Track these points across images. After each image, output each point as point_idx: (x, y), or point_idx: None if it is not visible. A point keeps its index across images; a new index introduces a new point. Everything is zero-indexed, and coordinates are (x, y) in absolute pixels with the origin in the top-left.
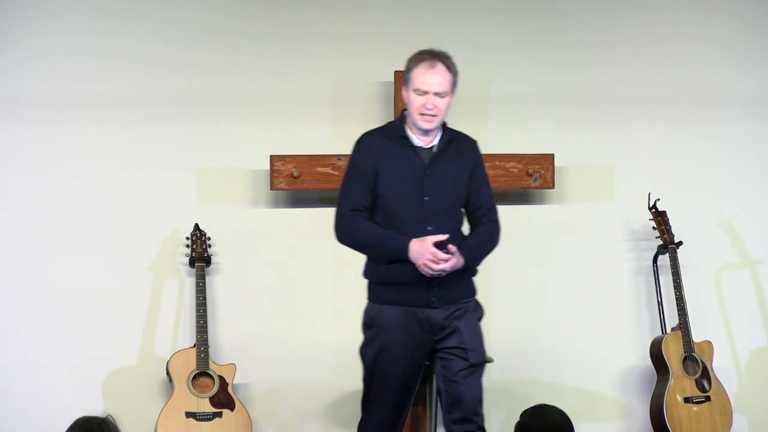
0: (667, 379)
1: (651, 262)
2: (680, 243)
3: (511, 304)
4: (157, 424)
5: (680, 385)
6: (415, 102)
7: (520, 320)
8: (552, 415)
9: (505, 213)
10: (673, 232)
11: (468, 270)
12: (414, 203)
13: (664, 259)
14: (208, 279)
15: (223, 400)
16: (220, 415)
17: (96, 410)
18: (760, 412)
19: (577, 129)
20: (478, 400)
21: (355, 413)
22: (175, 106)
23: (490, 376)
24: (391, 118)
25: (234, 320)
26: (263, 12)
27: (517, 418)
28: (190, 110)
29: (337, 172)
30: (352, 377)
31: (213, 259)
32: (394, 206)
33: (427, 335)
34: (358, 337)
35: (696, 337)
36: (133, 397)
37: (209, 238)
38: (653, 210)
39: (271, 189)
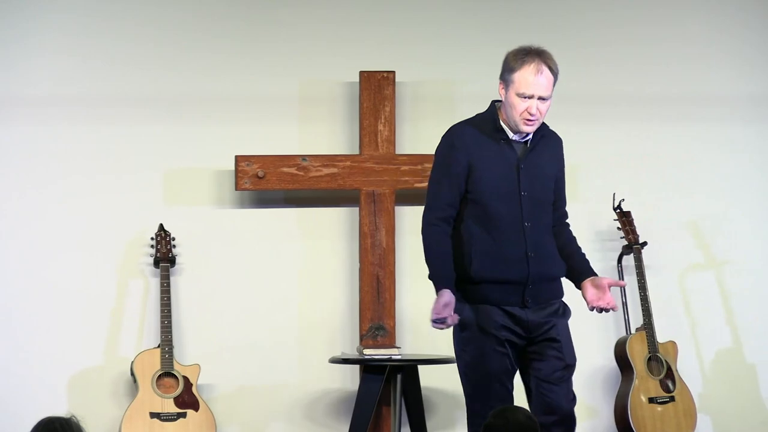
0: (631, 380)
1: (616, 263)
2: (645, 243)
3: None
4: (121, 424)
5: (645, 385)
6: (517, 106)
7: None
8: (516, 416)
9: None
10: (638, 233)
11: (561, 268)
12: (511, 199)
13: (629, 260)
14: (172, 279)
15: (188, 400)
16: (184, 415)
17: (60, 410)
18: (725, 412)
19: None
20: (574, 402)
21: (320, 412)
22: (140, 107)
23: (455, 376)
24: (356, 118)
25: (198, 320)
26: (229, 11)
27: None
28: (155, 110)
29: (302, 173)
30: (316, 377)
31: (178, 260)
32: (490, 201)
33: (523, 335)
34: (323, 338)
35: (660, 337)
36: (98, 398)
37: (174, 239)
38: (618, 210)
39: (236, 189)
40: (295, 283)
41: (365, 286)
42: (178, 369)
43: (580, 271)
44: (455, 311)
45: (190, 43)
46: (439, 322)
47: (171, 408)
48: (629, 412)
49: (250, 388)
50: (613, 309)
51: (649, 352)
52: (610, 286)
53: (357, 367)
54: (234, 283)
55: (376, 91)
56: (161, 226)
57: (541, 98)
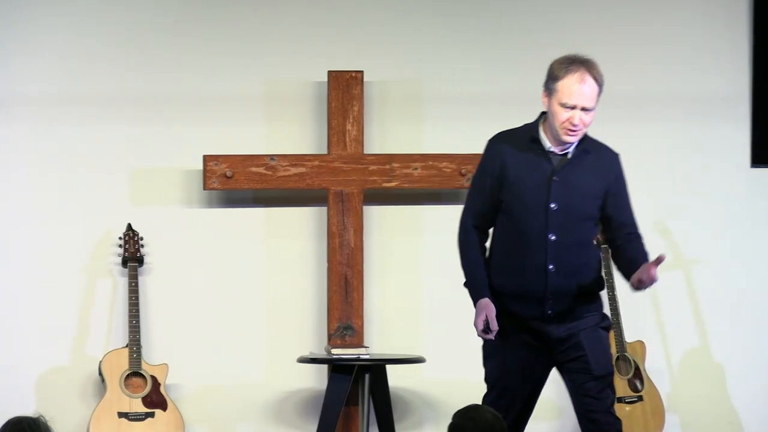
0: None
1: None
2: None
3: (445, 304)
4: (89, 424)
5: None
6: (560, 115)
7: (455, 320)
8: (484, 415)
9: (437, 213)
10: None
11: (592, 285)
12: (537, 210)
13: None
14: (141, 279)
15: (156, 400)
16: (152, 415)
17: (28, 410)
18: (693, 411)
19: None
20: (613, 415)
21: (288, 412)
22: (107, 106)
23: (423, 376)
24: (324, 118)
25: (167, 320)
26: (195, 10)
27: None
28: (123, 110)
29: (270, 172)
30: (285, 377)
31: (146, 259)
32: (517, 212)
33: (545, 348)
34: (291, 337)
35: (628, 337)
36: (66, 397)
37: (142, 238)
38: None
39: (204, 189)
40: (263, 282)
41: (333, 285)
42: (146, 369)
43: (633, 266)
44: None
45: (158, 42)
46: (484, 333)
47: (139, 408)
48: None
49: (218, 388)
50: (652, 281)
51: (617, 352)
52: (654, 264)
53: (325, 366)
54: (202, 283)
55: (345, 91)
56: (129, 226)
57: (584, 109)
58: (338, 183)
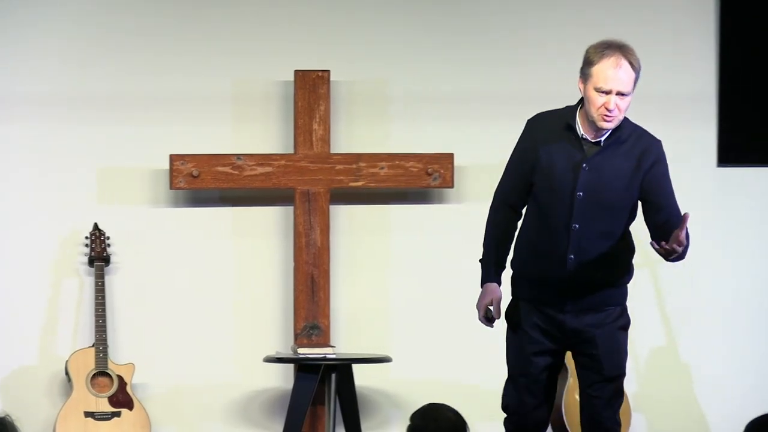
0: (565, 378)
1: None
2: None
3: (411, 303)
4: (56, 423)
5: (576, 384)
6: (595, 101)
7: (421, 319)
8: (446, 414)
9: (404, 212)
10: None
11: (614, 277)
12: (564, 198)
13: None
14: (107, 278)
15: (122, 399)
16: (118, 414)
17: None
18: (659, 411)
19: (477, 129)
20: (615, 421)
21: (255, 411)
22: (74, 105)
23: (389, 375)
24: (291, 117)
25: (133, 319)
26: (162, 9)
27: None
28: (89, 109)
29: (237, 172)
30: (251, 377)
31: (112, 259)
32: (544, 198)
33: (561, 338)
34: (258, 336)
35: None
36: (32, 397)
37: (108, 238)
38: None
39: (171, 188)
40: (229, 282)
41: (300, 285)
42: (113, 368)
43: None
44: (510, 307)
45: (125, 42)
46: (485, 320)
47: (105, 407)
48: (563, 411)
49: (184, 387)
50: (680, 244)
51: None
52: (680, 228)
53: (291, 366)
54: (169, 283)
55: (311, 90)
56: (96, 225)
57: (620, 94)
58: (305, 182)
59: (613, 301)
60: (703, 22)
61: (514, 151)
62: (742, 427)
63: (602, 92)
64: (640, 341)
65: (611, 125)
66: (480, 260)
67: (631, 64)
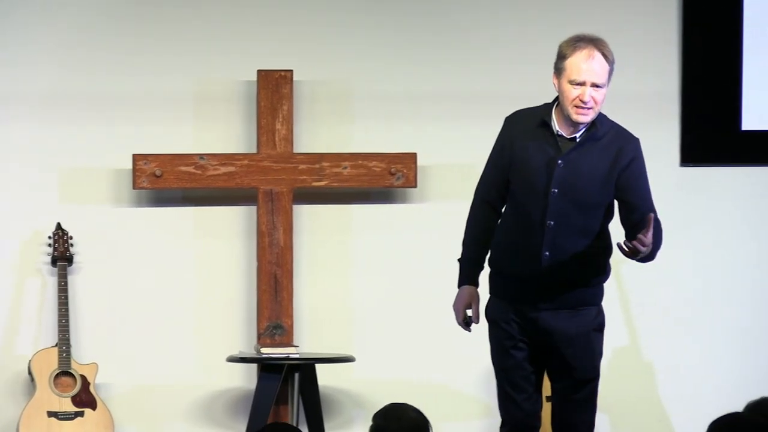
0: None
1: None
2: None
3: (375, 303)
4: (19, 423)
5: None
6: (570, 93)
7: (385, 319)
8: (408, 414)
9: (367, 212)
10: None
11: (589, 275)
12: (538, 194)
13: None
14: (70, 278)
15: (85, 399)
16: (82, 414)
17: None
18: (622, 410)
19: (440, 128)
20: (589, 425)
21: (218, 411)
22: (36, 105)
23: (352, 375)
24: (254, 117)
25: (96, 319)
26: (124, 8)
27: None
28: (51, 109)
29: (199, 171)
30: (214, 376)
31: (75, 258)
32: (520, 195)
33: (535, 336)
34: (221, 337)
35: None
36: None
37: (71, 238)
38: None
39: (134, 188)
40: (192, 281)
41: (263, 284)
42: (76, 368)
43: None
44: (488, 304)
45: (87, 41)
46: (464, 323)
47: (68, 407)
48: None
49: (147, 387)
50: (641, 245)
51: None
52: (646, 229)
53: (255, 366)
54: (132, 282)
55: (274, 90)
56: (58, 225)
57: (594, 85)
58: (268, 182)
59: (589, 301)
60: (666, 22)
61: (492, 149)
62: (705, 427)
63: (576, 84)
64: (604, 341)
65: (587, 118)
66: (458, 259)
67: (604, 55)
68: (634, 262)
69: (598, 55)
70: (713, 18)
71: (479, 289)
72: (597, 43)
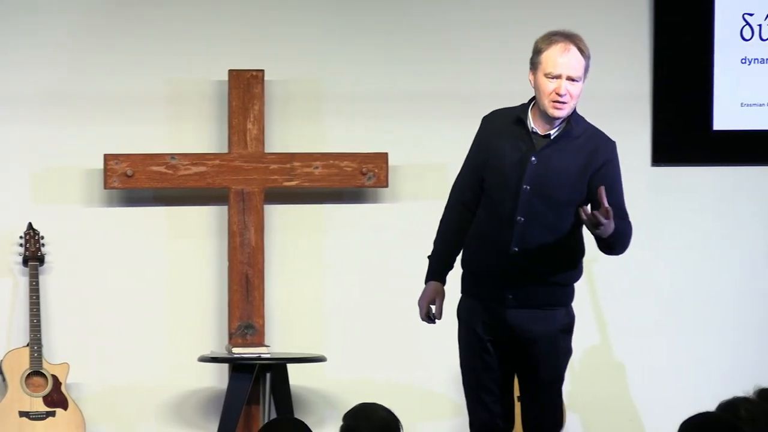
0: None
1: None
2: None
3: (346, 302)
4: None
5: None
6: (546, 87)
7: (356, 319)
8: (378, 413)
9: (339, 212)
10: None
11: (558, 273)
12: (511, 190)
13: None
14: (42, 278)
15: (57, 399)
16: (53, 414)
17: None
18: (593, 409)
19: (412, 128)
20: (553, 424)
21: (190, 411)
22: (7, 104)
23: (324, 375)
24: (225, 117)
25: (68, 319)
26: (95, 8)
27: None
28: (23, 108)
29: (171, 171)
30: (186, 376)
31: (47, 258)
32: (494, 192)
33: (504, 335)
34: (192, 336)
35: None
36: None
37: (43, 237)
38: None
39: (105, 188)
40: (164, 281)
41: (234, 284)
42: (47, 368)
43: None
44: (459, 303)
45: (58, 41)
46: (427, 318)
47: (40, 407)
48: None
49: (119, 387)
50: (604, 216)
51: None
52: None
53: (226, 365)
54: (103, 282)
55: (245, 90)
56: (30, 225)
57: (570, 79)
58: (239, 182)
59: (557, 301)
60: (638, 22)
61: (469, 149)
62: (677, 426)
63: (552, 77)
64: (574, 340)
65: (562, 113)
66: (428, 257)
67: (580, 50)
68: (603, 260)
69: (573, 49)
70: (684, 18)
71: (447, 287)
72: (573, 37)
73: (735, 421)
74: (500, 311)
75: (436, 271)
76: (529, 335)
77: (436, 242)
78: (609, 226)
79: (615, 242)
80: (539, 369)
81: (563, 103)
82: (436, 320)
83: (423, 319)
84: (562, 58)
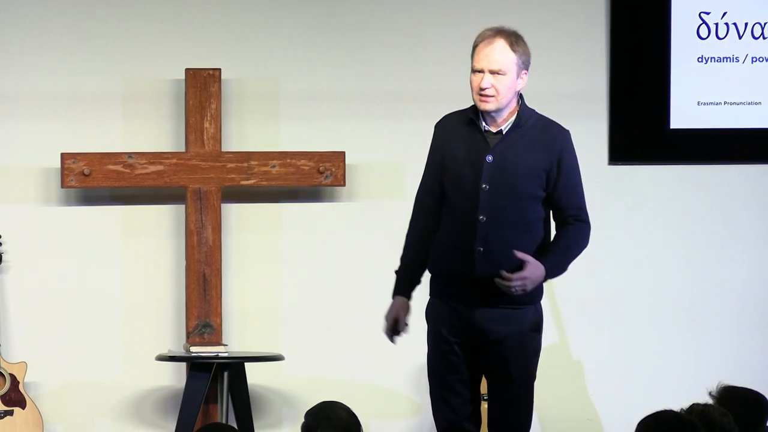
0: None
1: None
2: None
3: (304, 301)
4: None
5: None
6: (472, 82)
7: (314, 317)
8: (338, 413)
9: (296, 210)
10: None
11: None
12: (469, 191)
13: None
14: None
15: (14, 398)
16: (11, 413)
17: None
18: (551, 408)
19: (369, 127)
20: (521, 424)
21: (147, 410)
22: None
23: (282, 374)
24: (182, 116)
25: (25, 318)
26: (52, 6)
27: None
28: None
29: (128, 170)
30: (143, 375)
31: (4, 257)
32: (452, 193)
33: (471, 337)
34: (149, 335)
35: None
36: None
37: (0, 236)
38: None
39: (62, 187)
40: (121, 280)
41: (192, 283)
42: (5, 367)
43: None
44: (427, 305)
45: (15, 39)
46: (391, 332)
47: None
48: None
49: (76, 386)
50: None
51: None
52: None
53: (184, 364)
54: (60, 281)
55: (202, 89)
56: None
57: (493, 72)
58: (196, 181)
59: (524, 299)
60: (594, 22)
61: (427, 155)
62: (635, 425)
63: (476, 71)
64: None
65: (489, 106)
66: (395, 271)
67: (508, 43)
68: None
69: (499, 43)
70: (641, 16)
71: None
72: (503, 32)
73: (691, 418)
74: (468, 312)
75: (402, 286)
76: (497, 335)
77: (402, 257)
78: (529, 281)
79: (566, 262)
80: (509, 369)
81: (488, 96)
82: (402, 333)
83: (386, 334)
84: (483, 52)
